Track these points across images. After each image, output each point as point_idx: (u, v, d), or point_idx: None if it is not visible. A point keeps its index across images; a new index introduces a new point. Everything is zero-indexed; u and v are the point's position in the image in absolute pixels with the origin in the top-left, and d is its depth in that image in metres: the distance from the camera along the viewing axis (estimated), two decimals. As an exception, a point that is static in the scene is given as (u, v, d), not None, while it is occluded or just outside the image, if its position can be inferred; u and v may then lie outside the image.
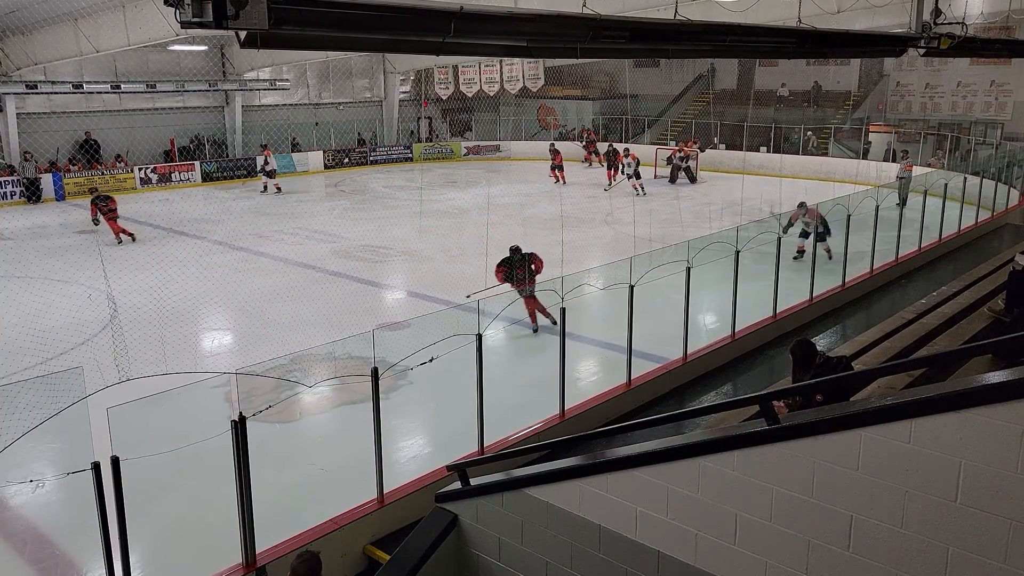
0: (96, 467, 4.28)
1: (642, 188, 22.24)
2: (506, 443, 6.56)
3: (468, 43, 7.04)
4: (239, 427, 4.86)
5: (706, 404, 7.54)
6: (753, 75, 31.88)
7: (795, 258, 12.68)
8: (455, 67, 31.21)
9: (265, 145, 26.39)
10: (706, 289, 9.77)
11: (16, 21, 19.52)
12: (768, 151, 27.56)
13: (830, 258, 12.23)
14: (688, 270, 8.43)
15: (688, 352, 8.62)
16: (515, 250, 10.32)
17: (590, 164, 28.25)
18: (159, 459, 5.08)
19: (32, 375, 8.42)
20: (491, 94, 31.84)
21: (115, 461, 4.33)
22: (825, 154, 26.88)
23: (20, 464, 6.08)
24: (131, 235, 16.60)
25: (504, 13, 6.59)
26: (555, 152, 24.61)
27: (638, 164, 22.49)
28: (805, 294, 10.74)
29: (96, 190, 17.60)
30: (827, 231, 12.44)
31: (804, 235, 12.85)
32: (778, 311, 10.02)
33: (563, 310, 7.06)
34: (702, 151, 26.49)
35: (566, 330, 7.09)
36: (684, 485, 3.75)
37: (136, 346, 9.54)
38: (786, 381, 6.43)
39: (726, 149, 27.40)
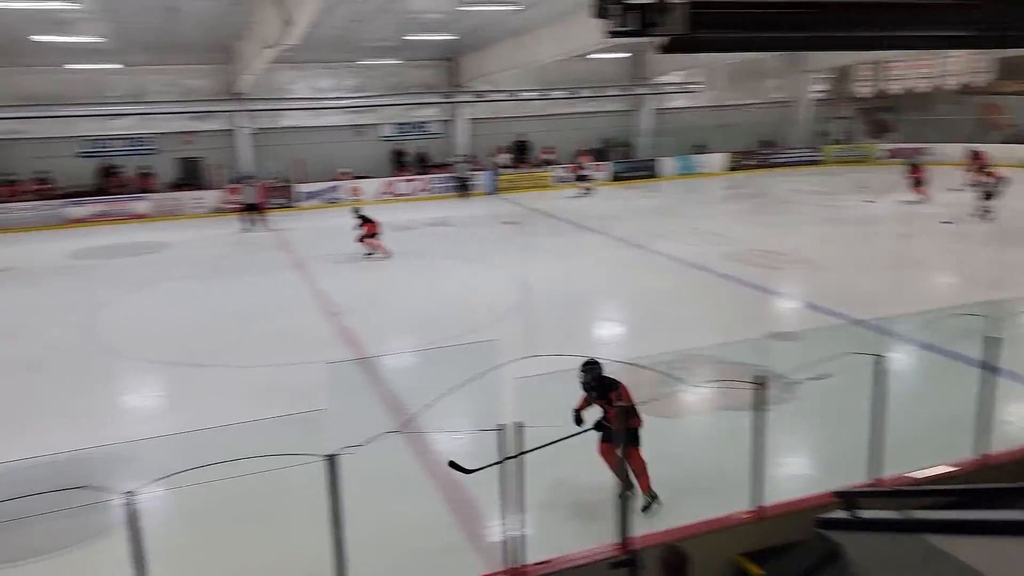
0: (502, 429, 4.85)
1: (986, 211, 17.10)
2: (903, 480, 5.85)
3: (903, 36, 6.39)
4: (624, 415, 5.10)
5: None
6: None
7: None
8: (877, 62, 28.46)
9: (582, 151, 27.21)
10: None
11: (474, 40, 22.91)
12: None
13: None
14: None
15: None
16: (590, 368, 5.95)
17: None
18: (550, 432, 5.56)
19: (459, 342, 9.89)
20: (922, 91, 28.40)
21: (519, 426, 4.85)
22: None
23: (443, 416, 7.15)
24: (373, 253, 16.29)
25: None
26: (914, 166, 20.82)
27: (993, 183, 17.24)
28: None
29: (358, 210, 16.74)
30: None
31: None
32: None
33: (993, 339, 6.04)
34: None
35: (996, 364, 6.05)
36: None
37: (542, 326, 10.59)
38: None
39: None
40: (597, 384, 5.81)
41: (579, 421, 5.76)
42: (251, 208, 20.89)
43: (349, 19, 17.97)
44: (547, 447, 5.05)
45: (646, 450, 5.90)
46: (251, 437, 7.07)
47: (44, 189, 22.91)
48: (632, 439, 5.78)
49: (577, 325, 11.06)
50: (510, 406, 5.45)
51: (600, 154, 28.75)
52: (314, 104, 25.31)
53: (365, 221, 16.11)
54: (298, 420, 7.07)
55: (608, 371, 6.00)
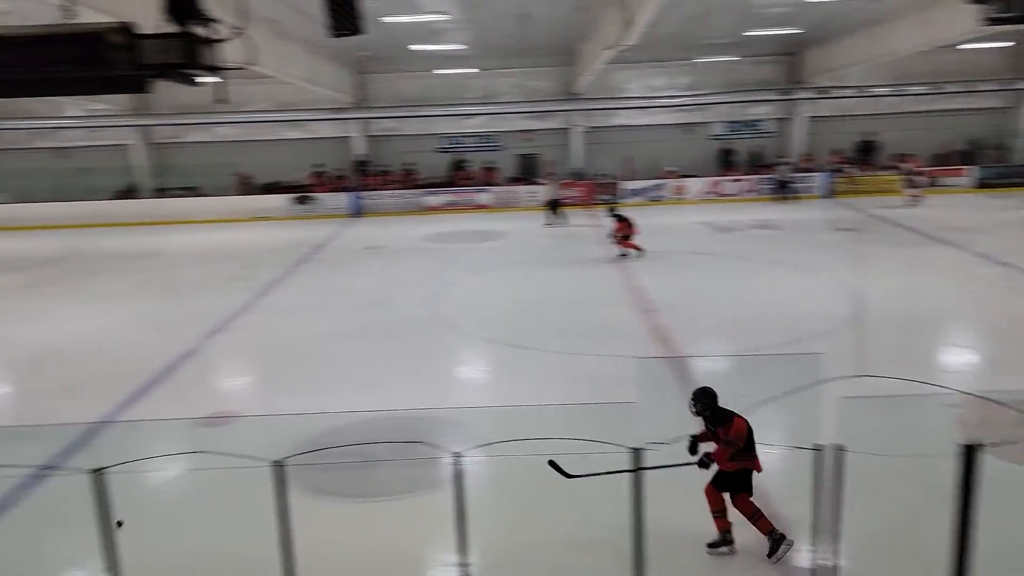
0: (820, 449, 4.51)
1: None
2: None
3: None
4: (969, 454, 4.44)
5: None
6: None
7: None
8: None
9: (906, 156, 23.59)
10: None
11: (821, 32, 21.47)
12: None
13: None
14: None
15: None
16: (700, 397, 5.28)
17: None
18: (875, 459, 5.04)
19: (779, 351, 9.40)
20: None
21: (840, 450, 4.48)
22: None
23: (756, 427, 6.86)
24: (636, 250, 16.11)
25: None
26: None
27: None
28: None
29: (613, 209, 17.24)
30: None
31: None
32: None
33: None
34: None
35: None
36: None
37: (875, 345, 9.64)
38: None
39: None
40: (710, 416, 5.20)
41: (693, 451, 5.19)
42: (553, 204, 21.85)
43: (689, 16, 17.91)
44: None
45: (996, 495, 5.08)
46: (562, 418, 7.48)
47: (408, 180, 26.35)
48: (742, 484, 5.14)
49: (917, 347, 9.86)
50: (831, 426, 5.06)
51: (964, 157, 25.24)
52: (646, 103, 25.72)
53: (619, 220, 16.12)
54: (606, 409, 7.29)
55: (948, 403, 5.28)
